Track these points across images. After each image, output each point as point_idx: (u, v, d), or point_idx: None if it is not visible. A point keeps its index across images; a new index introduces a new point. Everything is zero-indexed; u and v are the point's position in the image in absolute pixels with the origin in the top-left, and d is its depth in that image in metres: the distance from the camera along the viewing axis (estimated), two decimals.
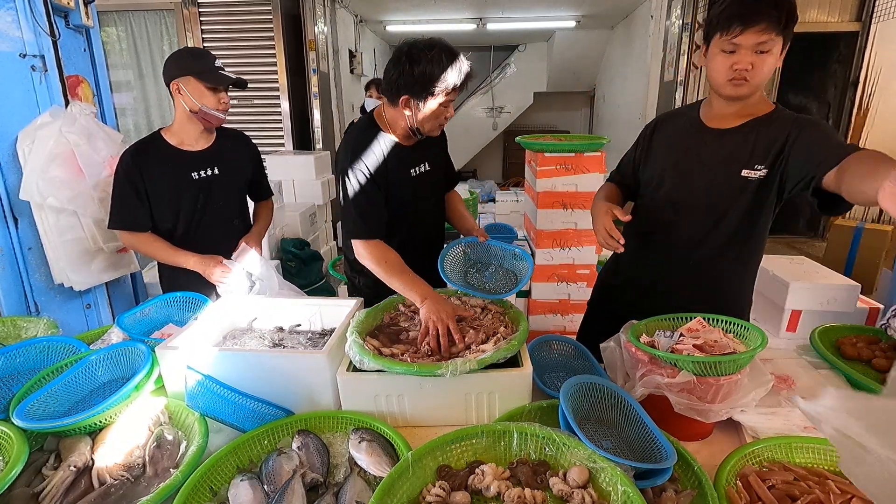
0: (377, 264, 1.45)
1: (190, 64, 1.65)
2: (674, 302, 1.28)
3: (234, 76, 1.70)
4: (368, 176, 1.48)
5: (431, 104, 1.40)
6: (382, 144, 1.51)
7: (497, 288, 1.50)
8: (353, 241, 1.51)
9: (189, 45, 5.27)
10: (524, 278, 1.45)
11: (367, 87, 3.59)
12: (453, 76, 1.36)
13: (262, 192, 2.01)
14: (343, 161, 1.50)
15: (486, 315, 1.38)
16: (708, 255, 1.39)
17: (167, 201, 1.71)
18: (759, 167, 1.27)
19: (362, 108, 3.79)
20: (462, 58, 1.39)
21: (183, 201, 1.73)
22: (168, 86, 1.68)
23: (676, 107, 5.17)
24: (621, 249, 1.30)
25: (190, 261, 1.69)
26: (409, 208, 1.60)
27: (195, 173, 1.72)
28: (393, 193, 1.54)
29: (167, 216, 1.73)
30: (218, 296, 1.65)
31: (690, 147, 1.38)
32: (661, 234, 1.39)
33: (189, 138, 1.73)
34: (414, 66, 1.35)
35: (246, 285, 1.69)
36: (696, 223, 1.39)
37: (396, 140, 1.53)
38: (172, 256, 1.71)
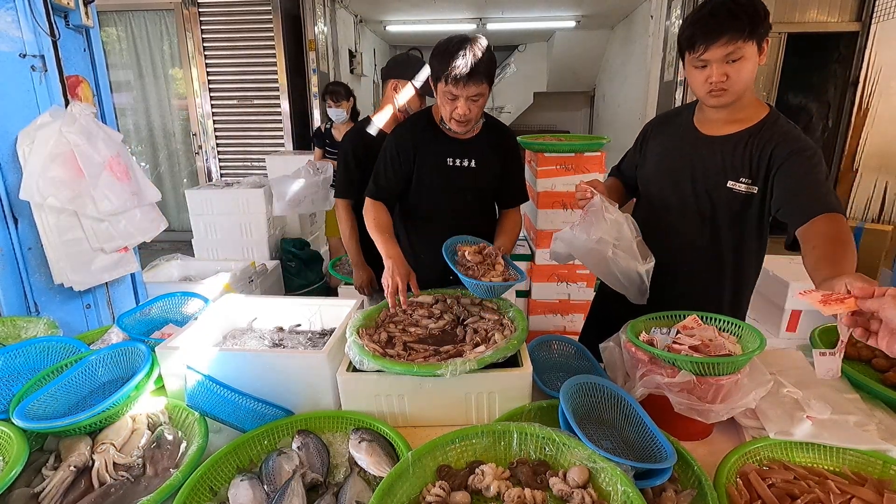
0: (371, 220, 1.61)
1: (414, 71, 1.99)
2: (667, 307, 1.27)
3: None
4: (395, 149, 1.62)
5: (439, 91, 1.48)
6: (423, 128, 1.63)
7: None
8: (366, 198, 1.66)
9: (187, 45, 5.28)
10: (510, 283, 1.38)
11: (324, 97, 3.63)
12: (449, 66, 1.40)
13: None
14: (388, 137, 1.68)
15: (485, 321, 1.37)
16: (700, 263, 1.40)
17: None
18: (745, 180, 1.28)
19: (328, 115, 3.81)
20: (474, 58, 1.39)
21: None
22: (386, 80, 2.02)
23: (676, 107, 5.17)
24: (588, 196, 1.34)
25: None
26: (438, 195, 1.66)
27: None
28: (422, 176, 1.63)
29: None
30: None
31: (682, 152, 1.39)
32: (654, 237, 1.39)
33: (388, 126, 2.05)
34: (434, 52, 1.47)
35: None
36: (686, 229, 1.40)
37: (440, 129, 1.62)
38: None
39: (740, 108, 1.29)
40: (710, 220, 1.36)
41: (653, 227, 1.43)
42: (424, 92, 1.96)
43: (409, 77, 1.96)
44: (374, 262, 1.95)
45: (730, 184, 1.30)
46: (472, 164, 1.64)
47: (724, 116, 1.31)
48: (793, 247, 1.23)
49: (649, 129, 1.53)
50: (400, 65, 2.02)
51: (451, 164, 1.62)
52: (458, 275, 1.37)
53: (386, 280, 1.40)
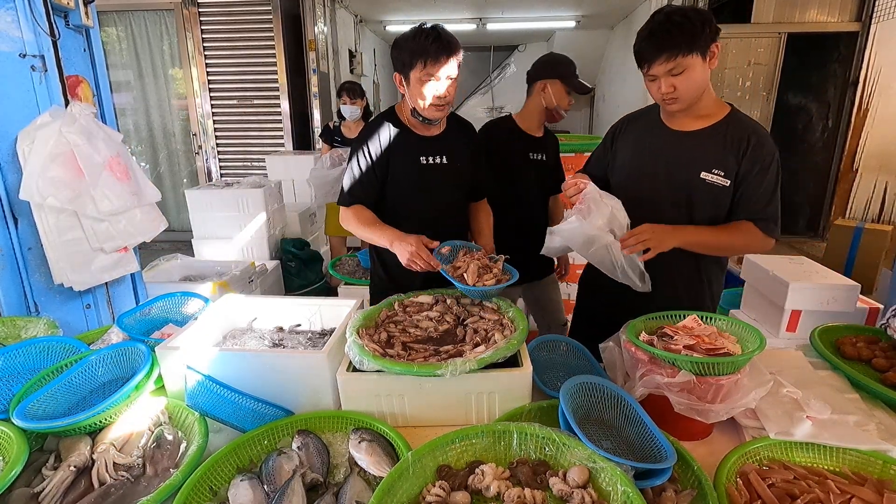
0: (354, 222, 1.59)
1: (559, 69, 1.95)
2: (648, 298, 1.35)
3: (589, 85, 1.99)
4: (366, 155, 1.59)
5: (414, 79, 1.47)
6: (390, 130, 1.60)
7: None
8: (340, 208, 1.65)
9: (187, 45, 5.28)
10: (502, 286, 1.40)
11: (340, 94, 3.78)
12: (426, 47, 1.43)
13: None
14: (354, 143, 1.64)
15: (486, 321, 1.37)
16: (674, 254, 1.41)
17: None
18: (718, 171, 1.37)
19: (338, 113, 3.91)
20: (445, 36, 1.45)
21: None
22: (533, 82, 2.00)
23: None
24: (581, 187, 1.38)
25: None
26: (415, 195, 1.65)
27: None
28: (398, 178, 1.61)
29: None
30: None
31: (654, 147, 1.47)
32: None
33: (532, 127, 2.06)
34: (397, 45, 1.49)
35: None
36: (661, 219, 1.42)
37: (409, 127, 1.61)
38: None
39: (703, 106, 1.39)
40: (687, 210, 1.42)
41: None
42: (572, 89, 1.97)
43: (561, 76, 1.95)
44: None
45: (703, 174, 1.38)
46: (444, 160, 1.65)
47: (688, 114, 1.41)
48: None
49: (619, 127, 1.60)
50: (549, 65, 2.00)
51: (424, 162, 1.62)
52: (453, 281, 1.38)
53: (404, 256, 1.41)
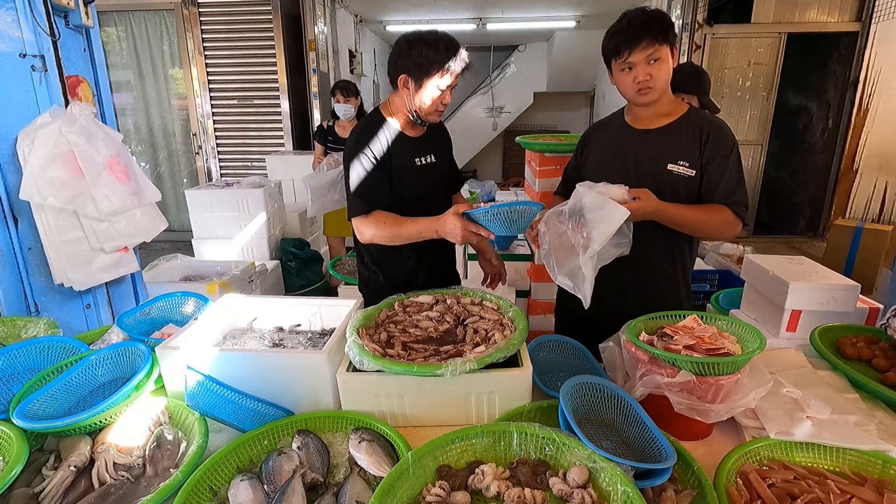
0: (379, 229, 1.53)
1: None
2: (624, 293, 1.44)
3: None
4: (372, 159, 1.56)
5: (428, 85, 1.49)
6: (387, 131, 1.59)
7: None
8: (353, 220, 1.57)
9: (187, 45, 5.28)
10: (530, 203, 1.35)
11: (333, 93, 3.69)
12: (448, 58, 1.46)
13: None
14: (349, 149, 1.59)
15: (486, 321, 1.37)
16: (648, 245, 1.46)
17: None
18: (684, 163, 1.44)
19: (332, 113, 3.84)
20: (461, 48, 1.49)
21: None
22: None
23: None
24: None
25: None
26: (415, 197, 1.64)
27: None
28: (397, 180, 1.60)
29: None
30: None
31: (621, 147, 1.54)
32: None
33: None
34: (413, 48, 1.47)
35: None
36: (633, 213, 1.44)
37: (401, 129, 1.61)
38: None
39: (664, 104, 1.48)
40: None
41: None
42: None
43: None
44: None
45: (670, 166, 1.45)
46: (433, 158, 1.67)
47: (652, 113, 1.49)
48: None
49: (587, 135, 1.69)
50: None
51: (419, 163, 1.64)
52: (477, 214, 1.34)
53: (457, 237, 1.39)
